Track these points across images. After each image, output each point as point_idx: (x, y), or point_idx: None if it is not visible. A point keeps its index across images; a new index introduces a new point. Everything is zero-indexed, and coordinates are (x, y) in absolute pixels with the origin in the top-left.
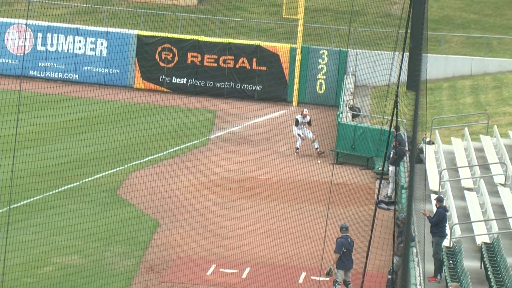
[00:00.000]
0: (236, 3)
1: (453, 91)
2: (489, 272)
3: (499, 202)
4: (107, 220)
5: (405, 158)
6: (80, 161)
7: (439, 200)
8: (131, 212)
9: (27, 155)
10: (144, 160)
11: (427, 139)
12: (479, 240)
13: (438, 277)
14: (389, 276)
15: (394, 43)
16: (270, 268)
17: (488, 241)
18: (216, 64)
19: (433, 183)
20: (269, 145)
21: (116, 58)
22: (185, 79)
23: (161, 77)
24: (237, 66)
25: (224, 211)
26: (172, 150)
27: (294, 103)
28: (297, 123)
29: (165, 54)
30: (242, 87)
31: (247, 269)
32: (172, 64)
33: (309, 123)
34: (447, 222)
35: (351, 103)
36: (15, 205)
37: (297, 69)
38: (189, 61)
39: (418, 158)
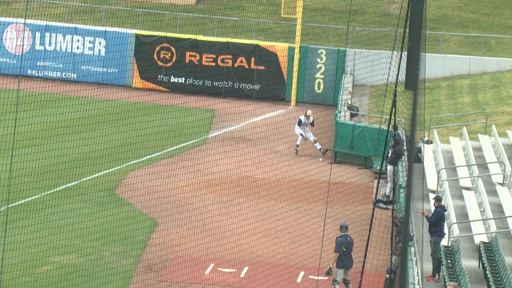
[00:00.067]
0: (234, 3)
1: (451, 91)
2: (487, 271)
3: (497, 201)
4: (105, 220)
5: (403, 157)
6: (78, 160)
7: (437, 199)
8: (129, 212)
9: (25, 154)
10: (142, 159)
11: (425, 138)
12: (477, 239)
13: (436, 276)
14: (387, 276)
15: (392, 43)
16: (268, 268)
17: (486, 240)
18: (214, 64)
19: (431, 182)
20: (267, 145)
21: (114, 58)
22: (183, 79)
23: (159, 76)
24: (235, 66)
25: (222, 210)
26: (170, 149)
27: (292, 103)
28: (300, 123)
29: (163, 54)
30: (241, 87)
31: (245, 268)
32: (170, 64)
33: (311, 124)
34: (445, 222)
35: (349, 103)
36: (13, 204)
37: (295, 68)
38: (187, 61)
39: (416, 157)
